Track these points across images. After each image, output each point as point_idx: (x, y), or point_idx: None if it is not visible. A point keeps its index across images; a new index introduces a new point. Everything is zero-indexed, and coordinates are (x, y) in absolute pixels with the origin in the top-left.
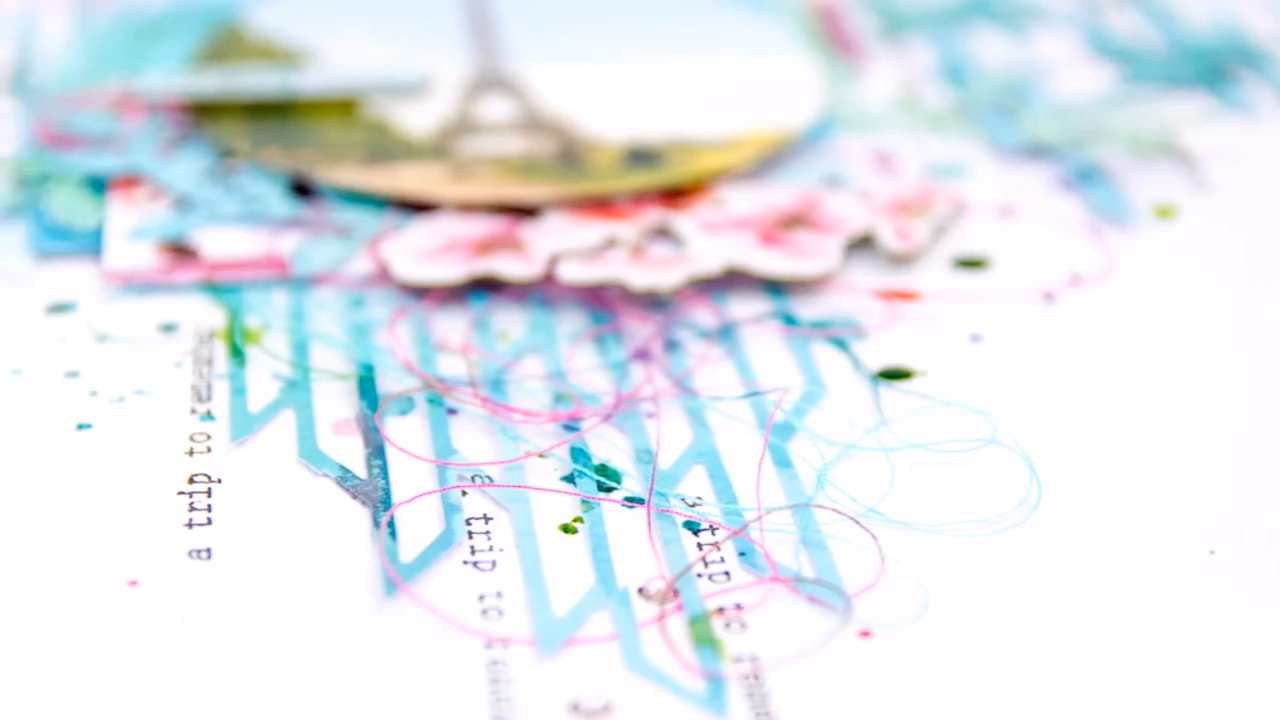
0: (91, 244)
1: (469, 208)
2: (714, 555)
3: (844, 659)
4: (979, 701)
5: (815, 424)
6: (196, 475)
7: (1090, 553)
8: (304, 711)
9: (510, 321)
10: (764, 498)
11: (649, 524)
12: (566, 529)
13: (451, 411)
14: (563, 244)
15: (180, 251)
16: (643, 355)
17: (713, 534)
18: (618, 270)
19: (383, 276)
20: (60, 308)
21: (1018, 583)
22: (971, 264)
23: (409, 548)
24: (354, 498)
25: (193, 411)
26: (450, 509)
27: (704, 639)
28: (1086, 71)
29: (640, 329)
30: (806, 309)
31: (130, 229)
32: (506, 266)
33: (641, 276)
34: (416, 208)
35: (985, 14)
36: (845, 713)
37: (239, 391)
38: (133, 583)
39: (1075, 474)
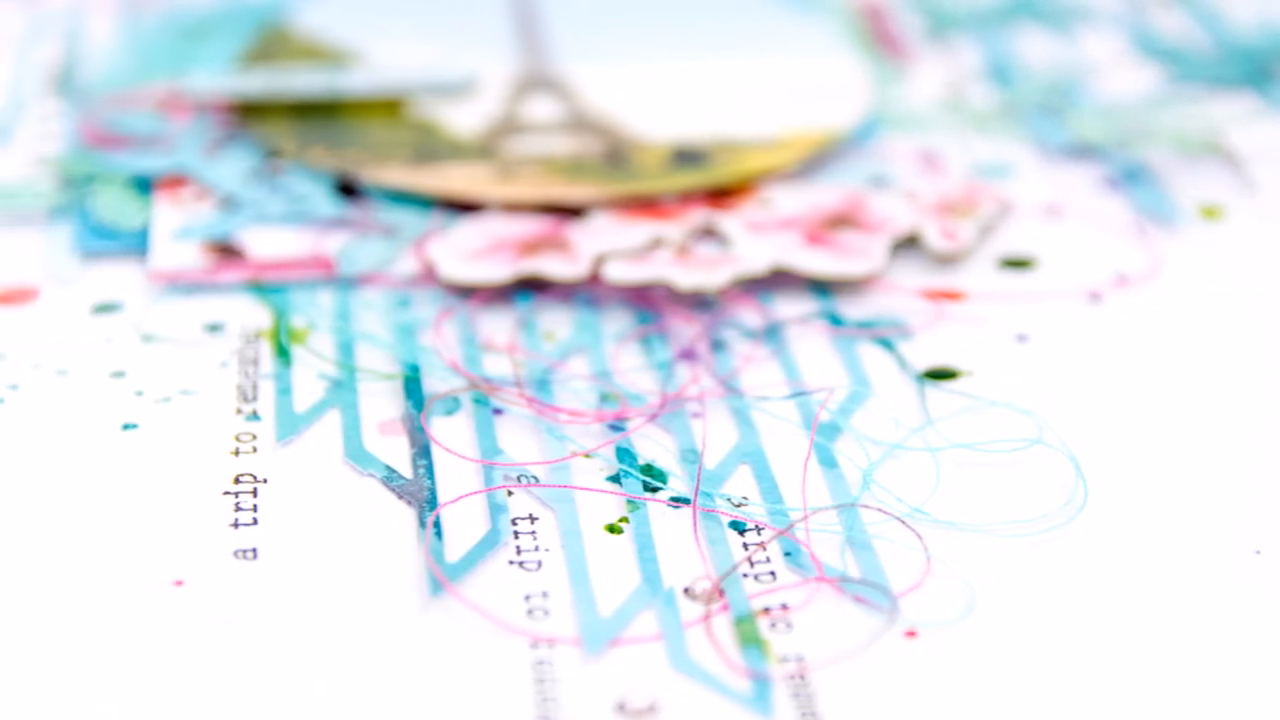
0: (137, 244)
1: (515, 208)
2: (759, 555)
3: (889, 659)
4: (1024, 702)
5: (861, 424)
6: (242, 475)
7: (1136, 552)
8: (349, 712)
9: (556, 321)
10: (810, 498)
11: (695, 524)
12: (612, 529)
13: (497, 411)
14: (609, 244)
15: (226, 251)
16: (688, 355)
17: (758, 534)
18: (664, 270)
19: (428, 276)
20: (106, 308)
21: (1063, 583)
22: (1017, 264)
23: (455, 548)
24: (400, 498)
25: (238, 411)
26: (496, 509)
27: (749, 639)
28: (1132, 71)
29: (686, 329)
30: (852, 309)
31: (176, 229)
32: (552, 266)
33: (687, 276)
34: (462, 208)
35: (1031, 14)
36: (891, 713)
37: (285, 391)
38: (178, 583)
39: (1121, 474)
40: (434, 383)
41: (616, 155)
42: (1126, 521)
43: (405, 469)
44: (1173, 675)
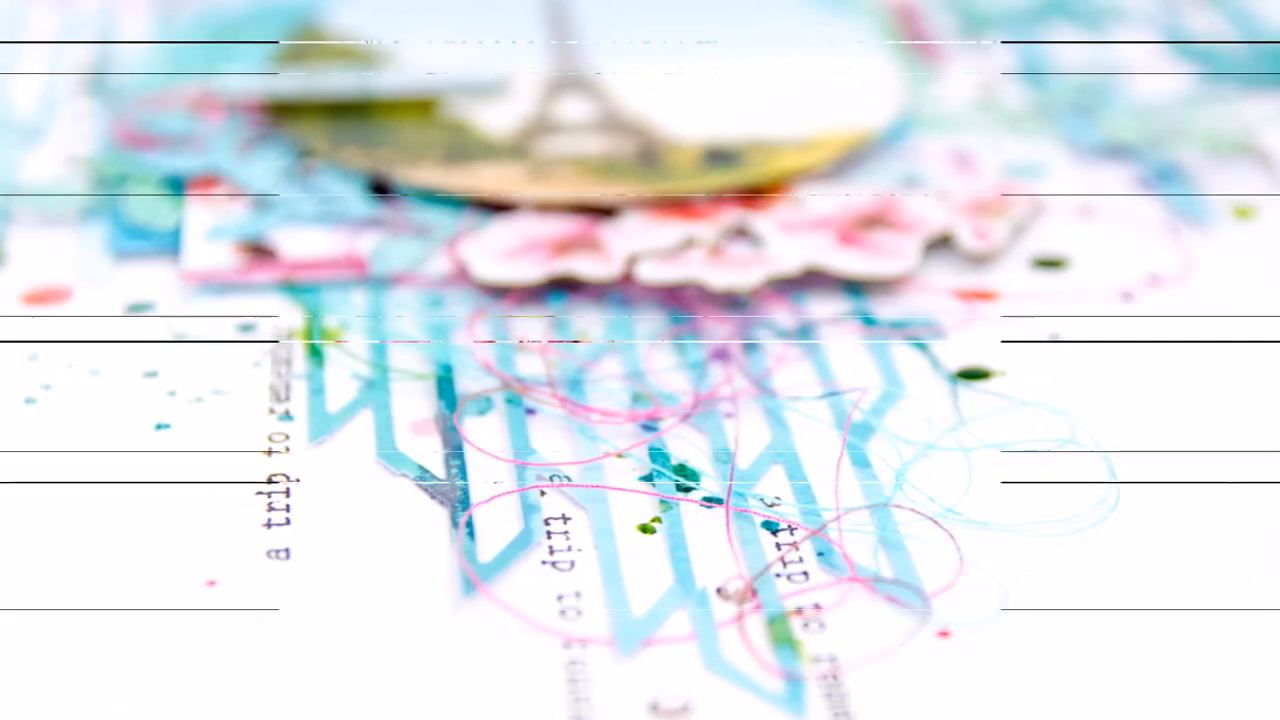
0: (170, 244)
1: (548, 208)
2: (792, 555)
3: (922, 659)
4: (1057, 702)
5: (894, 424)
6: (275, 475)
7: (1169, 553)
8: (382, 712)
9: (589, 321)
10: (842, 498)
11: (727, 524)
12: (645, 529)
13: (530, 411)
14: (641, 244)
15: (258, 251)
16: (721, 355)
17: (791, 534)
18: (696, 270)
19: (461, 276)
20: (139, 307)
21: (1096, 583)
22: (1050, 264)
23: (487, 548)
24: (432, 498)
25: (271, 411)
26: (529, 509)
27: (782, 639)
28: (1165, 71)
29: (719, 329)
30: (885, 309)
31: (208, 229)
32: (585, 266)
33: (720, 277)
34: (495, 208)
35: (1064, 14)
36: (924, 713)
37: (317, 391)
38: (211, 583)
39: (1154, 474)
40: (467, 383)
41: (649, 155)
42: (1158, 522)
43: (438, 469)
44: (1205, 676)
